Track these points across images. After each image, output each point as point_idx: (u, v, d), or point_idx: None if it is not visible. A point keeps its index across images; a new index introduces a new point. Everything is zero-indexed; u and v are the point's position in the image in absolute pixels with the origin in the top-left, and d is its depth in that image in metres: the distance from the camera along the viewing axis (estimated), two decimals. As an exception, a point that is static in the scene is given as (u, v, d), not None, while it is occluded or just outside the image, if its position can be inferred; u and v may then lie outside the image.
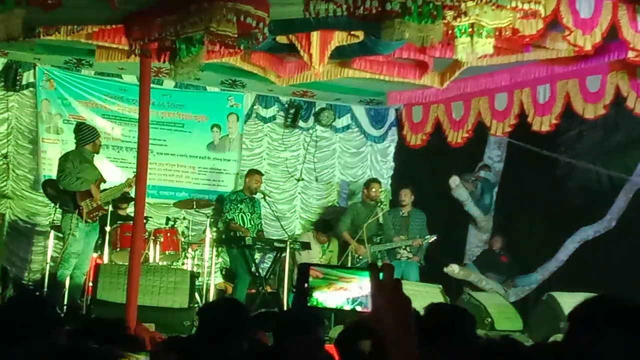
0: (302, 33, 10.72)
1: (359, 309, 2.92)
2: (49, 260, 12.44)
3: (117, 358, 3.46)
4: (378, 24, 8.90)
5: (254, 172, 14.10)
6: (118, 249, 12.28)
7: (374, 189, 14.00)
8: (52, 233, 12.80)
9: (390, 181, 16.04)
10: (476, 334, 4.60)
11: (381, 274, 2.59)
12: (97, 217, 11.76)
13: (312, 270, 3.02)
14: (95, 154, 12.03)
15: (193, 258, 13.30)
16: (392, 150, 16.28)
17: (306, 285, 2.96)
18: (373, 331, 2.59)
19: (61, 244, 12.06)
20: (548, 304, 12.06)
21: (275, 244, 13.33)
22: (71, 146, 12.54)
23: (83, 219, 11.57)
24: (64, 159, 11.97)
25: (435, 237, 13.74)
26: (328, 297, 2.95)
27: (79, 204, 11.58)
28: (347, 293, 2.93)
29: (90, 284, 11.77)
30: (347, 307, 2.93)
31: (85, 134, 11.96)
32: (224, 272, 14.11)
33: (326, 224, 14.73)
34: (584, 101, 12.17)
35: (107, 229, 12.17)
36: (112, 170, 13.91)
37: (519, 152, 15.08)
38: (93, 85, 14.20)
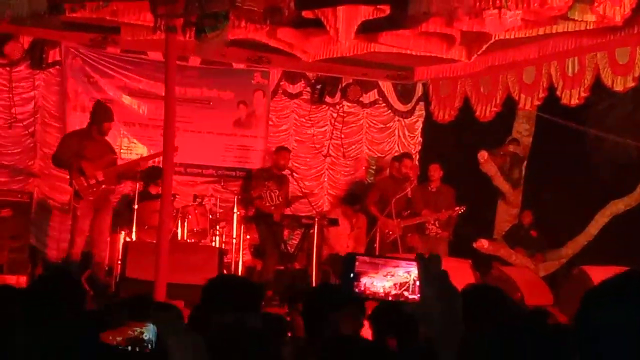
0: (328, 8, 10.64)
1: (406, 294, 2.87)
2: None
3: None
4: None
5: (281, 149, 14.07)
6: (146, 227, 12.28)
7: (405, 164, 13.95)
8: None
9: (418, 156, 15.96)
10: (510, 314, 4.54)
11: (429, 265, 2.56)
12: (96, 194, 11.85)
13: (358, 257, 2.98)
14: (103, 135, 12.27)
15: (221, 235, 13.30)
16: (419, 125, 16.22)
17: (352, 275, 2.92)
18: (421, 320, 2.57)
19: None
20: (579, 278, 11.96)
21: (303, 220, 13.32)
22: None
23: (75, 196, 11.83)
24: (64, 137, 12.39)
25: (463, 208, 13.69)
26: (375, 280, 2.90)
27: (72, 181, 11.82)
28: (395, 279, 2.88)
29: (119, 262, 11.80)
30: (394, 292, 2.88)
31: (95, 114, 12.25)
32: (252, 249, 14.11)
33: (354, 198, 14.69)
34: (613, 74, 12.02)
35: (135, 206, 12.19)
36: (139, 149, 13.93)
37: (548, 125, 14.94)
38: (119, 62, 14.17)
